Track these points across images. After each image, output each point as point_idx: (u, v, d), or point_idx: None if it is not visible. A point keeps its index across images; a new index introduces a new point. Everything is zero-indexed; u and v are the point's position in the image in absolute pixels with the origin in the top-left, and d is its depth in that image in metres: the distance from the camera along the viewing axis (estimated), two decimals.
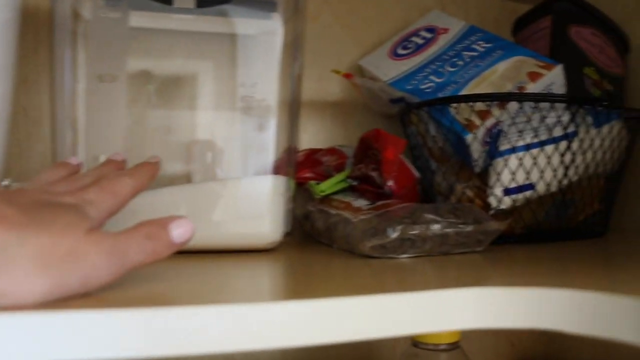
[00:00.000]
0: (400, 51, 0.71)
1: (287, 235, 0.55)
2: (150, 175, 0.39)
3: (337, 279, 0.36)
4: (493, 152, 0.56)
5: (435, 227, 0.47)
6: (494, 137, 0.57)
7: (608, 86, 0.68)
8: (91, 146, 0.52)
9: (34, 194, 0.30)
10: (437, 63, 0.65)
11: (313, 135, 0.77)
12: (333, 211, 0.60)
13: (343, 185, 0.65)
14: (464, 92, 0.59)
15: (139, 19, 0.54)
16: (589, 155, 0.58)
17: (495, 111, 0.56)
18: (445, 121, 0.58)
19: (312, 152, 0.75)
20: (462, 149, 0.58)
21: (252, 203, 0.52)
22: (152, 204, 0.48)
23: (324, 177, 0.69)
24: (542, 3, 0.71)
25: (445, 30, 0.70)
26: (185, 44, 0.55)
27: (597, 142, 0.58)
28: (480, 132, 0.56)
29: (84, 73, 0.52)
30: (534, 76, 0.58)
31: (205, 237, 0.48)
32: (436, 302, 0.32)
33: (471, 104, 0.55)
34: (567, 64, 0.60)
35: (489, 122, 0.56)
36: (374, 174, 0.59)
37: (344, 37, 0.79)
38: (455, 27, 0.70)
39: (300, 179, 0.69)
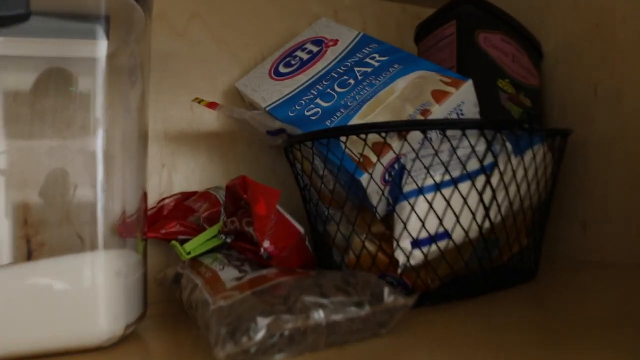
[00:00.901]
0: (283, 69, 0.58)
1: (139, 320, 0.42)
2: None
3: None
4: (395, 194, 0.44)
5: (318, 316, 0.34)
6: (396, 176, 0.45)
7: (525, 100, 0.58)
8: None
9: None
10: (325, 82, 0.53)
11: (187, 176, 0.63)
12: (198, 281, 0.46)
13: (216, 242, 0.51)
14: (356, 118, 0.47)
15: None
16: (512, 189, 0.47)
17: (395, 143, 0.44)
18: (334, 158, 0.45)
19: (184, 198, 0.61)
20: (358, 191, 0.46)
21: (75, 291, 0.38)
22: None
23: (195, 230, 0.55)
24: (445, 6, 0.61)
25: (335, 42, 0.58)
26: None
27: (520, 173, 0.47)
28: (378, 170, 0.44)
29: None
30: (439, 95, 0.46)
31: (21, 341, 0.37)
32: None
33: (364, 136, 0.43)
34: (478, 76, 0.49)
35: (387, 157, 0.44)
36: (249, 229, 0.46)
37: (219, 54, 0.66)
38: (345, 37, 0.58)
39: (167, 235, 0.55)
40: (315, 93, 0.52)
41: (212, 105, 0.52)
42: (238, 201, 0.47)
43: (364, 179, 0.44)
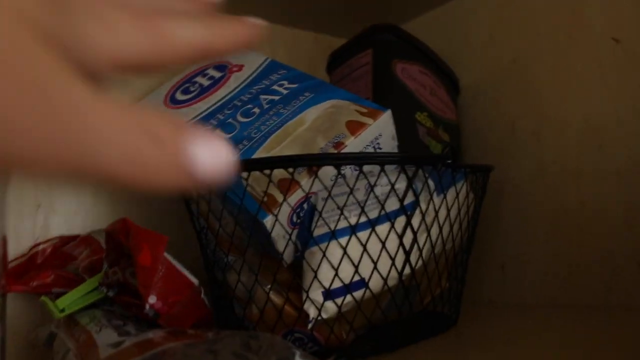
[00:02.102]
0: (180, 96, 0.52)
1: None
2: (238, 40, 0.21)
3: None
4: (305, 238, 0.39)
5: None
6: (305, 218, 0.39)
7: (444, 135, 0.55)
8: None
9: None
10: (227, 112, 0.47)
11: (67, 218, 0.54)
12: (70, 344, 0.38)
13: (96, 296, 0.43)
14: (260, 151, 0.41)
15: None
16: (435, 230, 0.42)
17: (304, 180, 0.38)
18: (234, 197, 0.39)
19: (62, 243, 0.52)
20: (261, 235, 0.40)
21: None
22: None
23: (73, 282, 0.47)
24: (361, 33, 0.57)
25: (239, 68, 0.52)
26: None
27: (442, 213, 0.43)
28: (284, 211, 0.38)
29: None
30: (354, 127, 0.41)
31: None
32: None
33: (268, 171, 0.37)
34: (395, 108, 0.45)
35: (295, 196, 0.38)
36: (133, 280, 0.39)
37: (110, 79, 0.58)
38: (252, 62, 0.52)
39: (38, 289, 0.47)
40: (215, 123, 0.46)
41: None
42: (120, 248, 0.40)
43: (267, 221, 0.38)
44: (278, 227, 0.38)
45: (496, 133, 0.62)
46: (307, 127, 0.42)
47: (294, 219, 0.39)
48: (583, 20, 0.54)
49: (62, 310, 0.42)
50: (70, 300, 0.43)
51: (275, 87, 0.47)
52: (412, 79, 0.53)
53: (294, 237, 0.39)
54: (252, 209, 0.38)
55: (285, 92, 0.46)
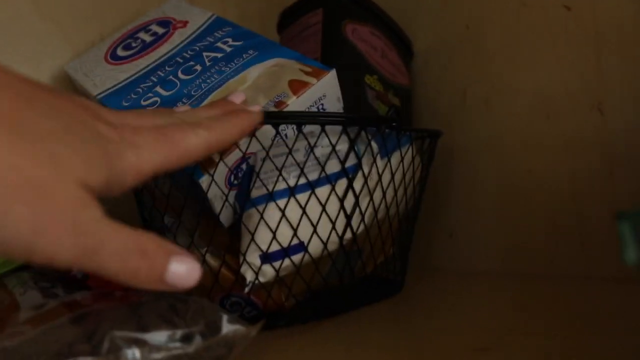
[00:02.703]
0: (121, 52, 0.49)
1: None
2: (237, 131, 0.31)
3: None
4: (242, 200, 0.38)
5: (132, 356, 0.27)
6: (243, 179, 0.38)
7: (394, 99, 0.54)
8: None
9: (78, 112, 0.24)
10: (168, 68, 0.45)
11: None
12: None
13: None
14: None
15: None
16: (378, 194, 0.42)
17: (241, 139, 0.37)
18: None
19: None
20: (197, 196, 0.38)
21: None
22: None
23: None
24: None
25: (184, 24, 0.50)
26: None
27: (386, 177, 0.42)
28: (221, 171, 0.37)
29: None
30: (297, 86, 0.40)
31: None
32: None
33: None
34: (344, 70, 0.44)
35: (233, 156, 0.37)
36: None
37: (48, 33, 0.55)
38: (196, 19, 0.50)
39: None
40: (156, 80, 0.44)
41: None
42: None
43: (203, 181, 0.36)
44: (214, 187, 0.37)
45: (448, 99, 0.61)
46: (249, 85, 0.40)
47: (232, 179, 0.38)
48: None
49: None
50: (1, 260, 0.41)
51: (219, 44, 0.46)
52: (363, 41, 0.52)
53: (231, 199, 0.38)
54: (187, 168, 0.36)
55: (228, 49, 0.45)
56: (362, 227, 0.41)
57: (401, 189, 0.45)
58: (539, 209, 0.53)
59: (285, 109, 0.39)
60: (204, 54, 0.45)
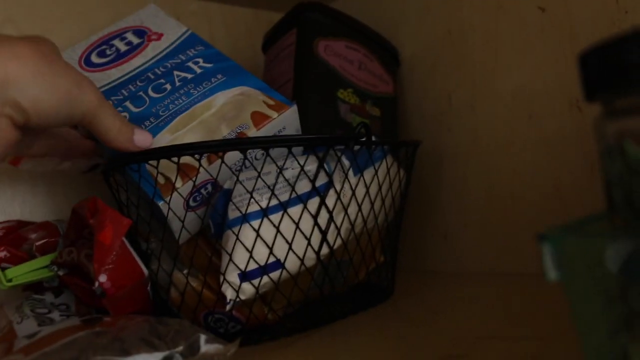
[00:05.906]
0: (95, 59, 0.50)
1: None
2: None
3: None
4: (218, 222, 0.39)
5: None
6: (217, 203, 0.40)
7: (373, 110, 0.55)
8: None
9: None
10: (139, 83, 0.46)
11: (3, 208, 0.55)
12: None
13: (44, 274, 0.44)
14: (165, 132, 0.41)
15: None
16: (353, 209, 0.43)
17: (205, 164, 0.39)
18: (136, 178, 0.40)
19: (19, 225, 0.52)
20: (160, 219, 0.40)
21: None
22: None
23: (24, 260, 0.47)
24: (288, 13, 0.56)
25: (159, 37, 0.50)
26: None
27: (361, 191, 0.44)
28: (184, 193, 0.39)
29: None
30: (258, 119, 0.41)
31: None
32: None
33: (155, 162, 0.37)
34: (316, 88, 0.45)
35: (196, 180, 0.39)
36: (87, 262, 0.39)
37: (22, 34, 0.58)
38: (171, 33, 0.51)
39: None
40: (126, 94, 0.45)
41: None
42: (82, 228, 0.40)
43: (162, 205, 0.38)
44: (172, 211, 0.39)
45: (434, 104, 0.62)
46: (214, 112, 0.42)
47: (191, 202, 0.39)
48: None
49: (10, 281, 0.43)
50: (20, 273, 0.43)
51: (189, 64, 0.47)
52: (337, 56, 0.53)
53: (206, 220, 0.40)
54: (149, 192, 0.38)
55: (198, 70, 0.46)
56: (339, 241, 0.42)
57: (378, 201, 0.46)
58: (525, 208, 0.53)
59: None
60: (175, 72, 0.46)
